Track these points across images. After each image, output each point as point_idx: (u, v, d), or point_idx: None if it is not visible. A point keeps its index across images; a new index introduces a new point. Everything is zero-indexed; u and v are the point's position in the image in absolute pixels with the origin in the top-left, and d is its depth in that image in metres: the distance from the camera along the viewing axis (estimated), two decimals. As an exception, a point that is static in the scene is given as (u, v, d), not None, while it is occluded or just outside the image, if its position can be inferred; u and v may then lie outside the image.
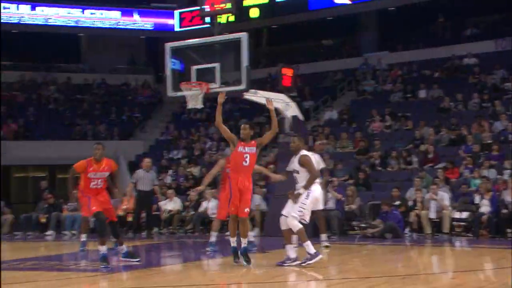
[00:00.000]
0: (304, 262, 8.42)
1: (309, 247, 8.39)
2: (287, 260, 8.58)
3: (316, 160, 9.75)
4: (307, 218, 8.62)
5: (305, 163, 8.57)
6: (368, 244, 12.14)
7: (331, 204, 14.25)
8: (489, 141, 16.26)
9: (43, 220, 17.11)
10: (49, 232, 16.67)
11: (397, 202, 14.04)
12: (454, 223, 13.40)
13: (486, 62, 21.44)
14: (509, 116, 17.17)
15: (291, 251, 8.60)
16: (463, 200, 13.76)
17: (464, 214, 13.39)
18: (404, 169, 16.60)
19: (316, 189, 8.70)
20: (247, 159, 8.81)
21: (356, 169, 16.69)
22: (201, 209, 16.17)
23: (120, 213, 14.68)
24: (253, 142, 8.96)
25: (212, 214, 16.08)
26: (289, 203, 8.61)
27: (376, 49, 25.70)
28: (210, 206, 15.96)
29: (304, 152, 8.78)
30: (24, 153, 22.82)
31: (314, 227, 13.34)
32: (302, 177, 8.56)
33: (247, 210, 8.84)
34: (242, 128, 9.14)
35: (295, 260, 8.55)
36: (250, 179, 8.91)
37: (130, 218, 15.45)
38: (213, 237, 10.91)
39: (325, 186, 12.95)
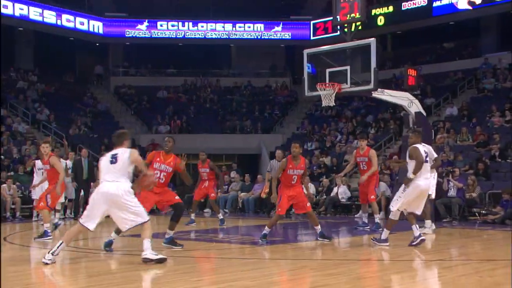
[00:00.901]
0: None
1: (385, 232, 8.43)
2: (414, 239, 8.32)
3: (427, 150, 9.36)
4: (398, 207, 8.34)
5: (411, 154, 8.41)
6: (489, 230, 11.37)
7: (453, 192, 13.52)
8: None
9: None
10: (206, 210, 17.31)
11: (518, 191, 13.00)
12: None
13: None
14: None
15: (416, 231, 8.31)
16: None
17: None
18: (524, 161, 15.36)
19: (421, 184, 8.33)
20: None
21: (476, 160, 15.70)
22: (332, 194, 16.06)
23: (263, 195, 14.95)
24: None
25: (342, 199, 15.95)
26: (400, 189, 8.49)
27: (496, 50, 23.99)
28: (339, 191, 15.81)
29: (415, 145, 8.47)
30: (186, 144, 24.00)
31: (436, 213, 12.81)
32: (410, 166, 8.36)
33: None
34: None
35: (419, 237, 8.27)
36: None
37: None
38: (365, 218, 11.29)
39: (441, 174, 12.37)
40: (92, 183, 14.92)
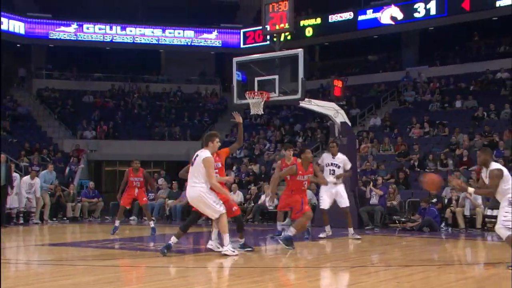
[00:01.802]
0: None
1: None
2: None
3: (341, 160, 10.01)
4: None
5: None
6: (408, 236, 11.87)
7: (375, 200, 14.02)
8: (519, 147, 15.67)
9: (128, 207, 17.45)
10: (132, 217, 17.05)
11: (434, 200, 13.69)
12: (486, 219, 12.94)
13: (518, 76, 20.71)
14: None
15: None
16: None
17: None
18: (440, 170, 16.17)
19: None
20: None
21: (397, 169, 16.38)
22: (260, 201, 16.20)
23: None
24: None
25: (269, 206, 16.13)
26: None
27: (416, 64, 25.18)
28: (267, 199, 15.96)
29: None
30: (113, 150, 23.54)
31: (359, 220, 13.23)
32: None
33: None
34: None
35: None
36: None
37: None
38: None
39: (364, 182, 12.87)
40: (9, 189, 14.28)
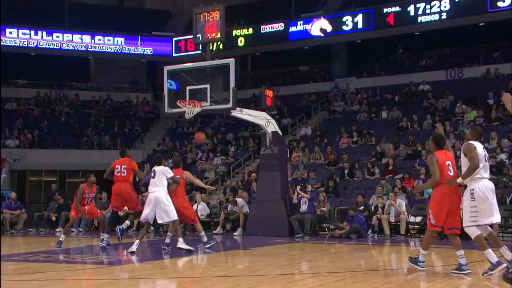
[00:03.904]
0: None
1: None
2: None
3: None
4: None
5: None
6: (336, 243, 12.17)
7: (305, 208, 14.26)
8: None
9: (54, 218, 16.91)
10: (58, 229, 16.45)
11: (361, 207, 14.12)
12: (410, 226, 13.49)
13: (438, 89, 21.80)
14: (456, 135, 17.38)
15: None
16: (417, 207, 13.86)
17: (418, 219, 13.48)
18: (368, 179, 16.70)
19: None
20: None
21: (327, 178, 16.76)
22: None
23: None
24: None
25: (201, 216, 16.06)
26: None
27: (345, 75, 25.93)
28: (199, 208, 15.91)
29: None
30: (38, 159, 22.67)
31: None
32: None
33: None
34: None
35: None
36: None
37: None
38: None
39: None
40: None
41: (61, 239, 11.16)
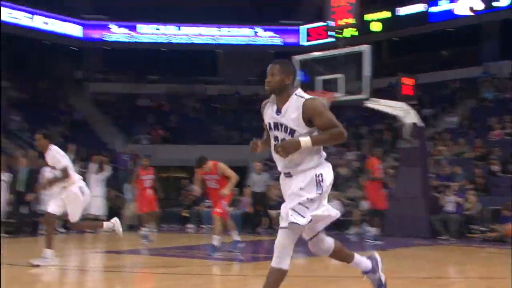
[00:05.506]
0: None
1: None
2: None
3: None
4: None
5: None
6: (487, 247, 11.55)
7: (451, 208, 13.70)
8: None
9: (185, 214, 17.83)
10: (190, 225, 17.34)
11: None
12: None
13: None
14: None
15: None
16: None
17: None
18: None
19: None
20: None
21: (475, 174, 15.92)
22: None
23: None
24: None
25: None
26: None
27: (496, 59, 24.41)
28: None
29: None
30: (168, 155, 24.08)
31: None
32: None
33: None
34: None
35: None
36: None
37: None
38: None
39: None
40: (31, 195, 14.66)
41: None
